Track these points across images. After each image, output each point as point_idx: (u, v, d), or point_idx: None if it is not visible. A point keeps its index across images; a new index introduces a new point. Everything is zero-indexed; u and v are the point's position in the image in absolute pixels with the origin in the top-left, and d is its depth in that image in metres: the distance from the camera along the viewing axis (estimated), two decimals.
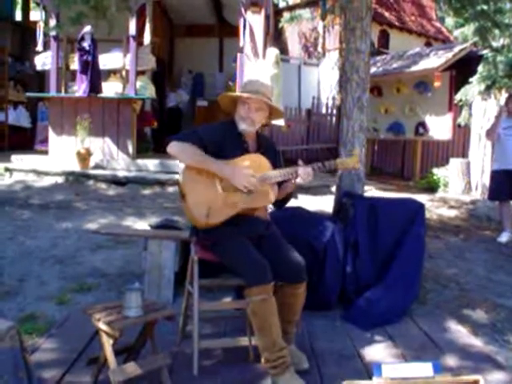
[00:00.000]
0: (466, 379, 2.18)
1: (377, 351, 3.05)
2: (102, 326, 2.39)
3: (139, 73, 8.00)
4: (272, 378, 2.58)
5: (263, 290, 2.56)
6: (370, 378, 2.60)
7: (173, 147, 2.73)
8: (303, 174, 2.78)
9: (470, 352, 3.07)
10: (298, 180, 2.81)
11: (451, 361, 2.93)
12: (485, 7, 5.40)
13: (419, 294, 3.85)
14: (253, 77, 2.99)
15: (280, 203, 3.00)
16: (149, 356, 2.57)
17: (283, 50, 11.73)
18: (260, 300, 2.56)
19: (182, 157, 2.76)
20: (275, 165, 2.88)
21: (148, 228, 4.26)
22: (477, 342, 3.24)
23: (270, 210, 3.14)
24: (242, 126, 2.81)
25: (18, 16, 12.09)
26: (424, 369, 2.19)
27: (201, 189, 2.71)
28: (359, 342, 3.17)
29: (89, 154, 7.32)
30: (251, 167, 2.74)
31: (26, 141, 9.56)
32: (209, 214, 2.67)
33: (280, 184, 2.85)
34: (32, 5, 11.62)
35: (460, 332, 3.38)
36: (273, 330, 2.58)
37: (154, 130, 9.56)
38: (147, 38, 7.75)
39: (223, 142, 2.78)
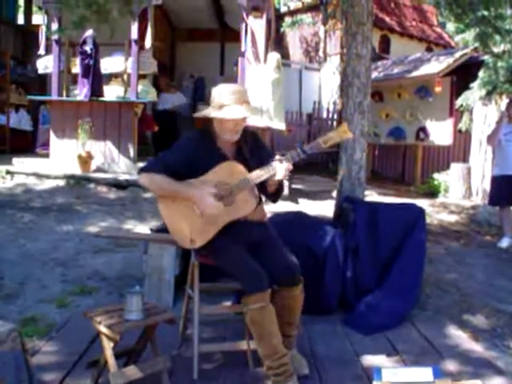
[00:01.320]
0: None
1: (377, 356, 3.04)
2: (102, 329, 2.39)
3: (141, 77, 8.02)
4: None
5: (260, 297, 2.55)
6: (370, 382, 2.61)
7: (142, 180, 2.69)
8: (279, 170, 2.59)
9: (471, 357, 3.07)
10: (276, 176, 2.61)
11: (451, 366, 2.93)
12: (485, 13, 5.42)
13: (419, 299, 3.85)
14: (224, 86, 2.76)
15: (273, 196, 2.86)
16: (149, 359, 2.57)
17: (284, 54, 11.75)
18: (258, 308, 2.55)
19: (152, 189, 2.76)
20: (261, 159, 2.74)
21: (149, 231, 4.27)
22: (477, 348, 3.24)
23: (269, 214, 3.12)
24: (229, 137, 2.71)
25: (21, 20, 12.12)
26: (424, 374, 2.20)
27: (178, 215, 2.68)
28: (359, 346, 3.17)
29: (90, 157, 7.32)
30: (223, 177, 2.65)
31: (27, 144, 9.57)
32: (192, 238, 2.65)
33: (266, 181, 2.70)
34: (34, 9, 11.63)
35: (460, 337, 3.38)
36: (273, 337, 2.57)
37: (154, 133, 9.55)
38: (149, 42, 7.76)
39: (196, 156, 2.69)
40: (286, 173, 2.63)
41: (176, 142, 2.86)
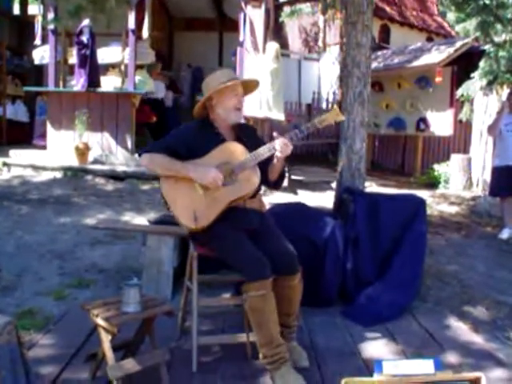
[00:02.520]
0: (468, 376, 2.15)
1: (377, 348, 3.03)
2: (100, 321, 2.37)
3: (138, 67, 7.95)
4: (270, 374, 2.57)
5: (262, 285, 2.53)
6: (370, 374, 2.58)
7: (143, 160, 2.74)
8: (280, 146, 2.62)
9: (471, 349, 3.05)
10: (277, 154, 2.64)
11: (452, 358, 2.91)
12: (487, 2, 5.36)
13: (420, 290, 3.83)
14: (218, 71, 2.86)
15: (275, 183, 2.88)
16: (147, 352, 2.55)
17: (283, 44, 11.66)
18: (259, 296, 2.53)
19: (153, 168, 2.76)
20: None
21: (147, 223, 4.23)
22: (478, 339, 3.22)
23: (268, 205, 3.10)
24: (236, 117, 2.77)
25: (16, 10, 12.01)
26: (425, 366, 2.17)
27: (181, 195, 2.69)
28: (359, 338, 3.15)
29: (87, 148, 7.28)
30: (224, 157, 2.67)
31: (24, 135, 9.50)
32: (196, 217, 2.64)
33: (268, 165, 2.74)
34: None
35: (461, 329, 3.36)
36: (271, 326, 2.56)
37: (151, 124, 9.46)
38: (146, 31, 7.70)
39: (196, 140, 2.73)
40: (287, 149, 2.63)
41: (175, 128, 2.91)
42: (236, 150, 2.69)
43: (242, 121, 3.02)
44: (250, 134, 2.92)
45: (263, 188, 2.89)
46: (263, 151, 2.65)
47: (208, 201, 2.64)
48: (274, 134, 2.70)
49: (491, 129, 5.88)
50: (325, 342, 3.07)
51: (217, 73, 2.82)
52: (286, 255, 2.69)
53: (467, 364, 2.83)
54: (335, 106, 2.86)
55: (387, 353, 2.97)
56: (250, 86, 2.92)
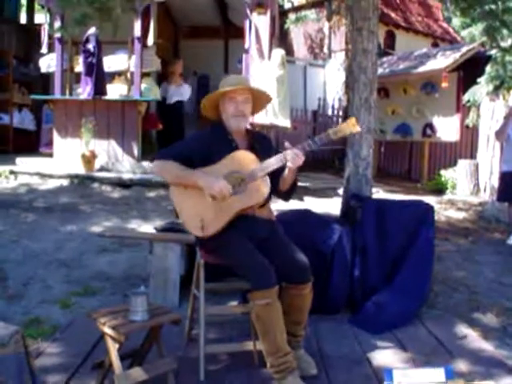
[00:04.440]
0: None
1: (386, 356, 3.00)
2: (107, 330, 2.36)
3: (144, 75, 7.98)
4: (277, 383, 2.54)
5: (267, 294, 2.51)
6: (379, 383, 2.56)
7: (155, 167, 2.76)
8: (291, 157, 2.59)
9: (481, 356, 3.01)
10: (288, 164, 2.62)
11: (462, 365, 2.87)
12: (493, 7, 5.33)
13: (428, 297, 3.80)
14: (231, 76, 2.87)
15: (285, 193, 2.86)
16: (154, 361, 2.53)
17: (289, 51, 11.69)
18: (264, 304, 2.52)
19: (164, 176, 2.78)
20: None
21: (153, 231, 4.23)
22: (487, 346, 3.18)
23: (276, 212, 3.08)
24: (235, 124, 2.75)
25: (23, 18, 12.11)
26: (436, 374, 2.15)
27: (190, 203, 2.69)
28: (368, 346, 3.12)
29: (94, 156, 7.29)
30: (234, 166, 2.66)
31: (30, 143, 9.54)
32: (203, 225, 2.64)
33: (279, 175, 2.73)
34: (37, 7, 11.62)
35: (470, 336, 3.32)
36: (277, 335, 2.53)
37: (158, 131, 9.48)
38: (152, 39, 7.71)
39: (210, 147, 2.72)
40: (299, 160, 2.61)
41: (189, 135, 2.91)
42: (247, 159, 2.68)
43: (248, 126, 3.01)
44: (264, 143, 2.90)
45: (273, 196, 2.88)
46: (274, 161, 2.63)
47: (216, 209, 2.63)
48: (286, 144, 2.67)
49: (499, 134, 5.86)
50: (333, 350, 3.04)
51: (229, 77, 2.87)
52: (297, 264, 2.68)
53: (477, 372, 2.79)
54: (352, 117, 2.77)
55: (396, 361, 2.94)
56: (260, 99, 2.89)
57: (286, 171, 2.69)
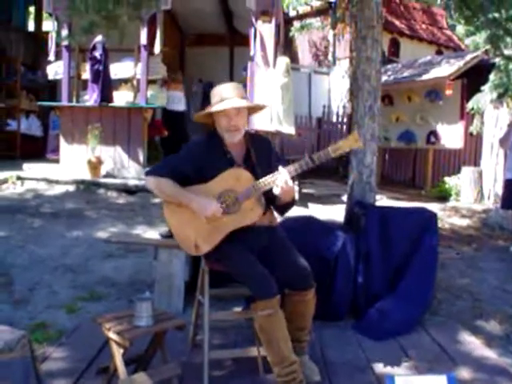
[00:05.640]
0: None
1: (389, 362, 3.00)
2: (112, 335, 2.38)
3: (150, 82, 8.04)
4: None
5: (269, 304, 2.52)
6: None
7: (148, 184, 2.73)
8: (282, 182, 2.54)
9: (485, 364, 3.02)
10: (276, 183, 2.56)
11: (465, 373, 2.88)
12: (496, 15, 5.36)
13: (432, 304, 3.81)
14: (221, 86, 2.77)
15: (281, 209, 2.83)
16: (159, 366, 2.55)
17: (293, 58, 11.75)
18: (266, 315, 2.52)
19: (157, 193, 2.75)
20: (270, 166, 2.71)
21: (158, 237, 4.25)
22: (491, 354, 3.18)
23: (279, 219, 3.09)
24: (229, 139, 2.69)
25: (31, 26, 12.24)
26: (438, 382, 2.15)
27: (183, 221, 2.67)
28: (371, 352, 3.13)
29: (100, 162, 7.34)
30: (228, 185, 2.62)
31: (37, 149, 9.62)
32: (197, 244, 2.63)
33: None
34: (44, 15, 11.74)
35: (473, 343, 3.32)
36: (281, 344, 2.53)
37: (162, 138, 9.53)
38: (158, 47, 7.78)
39: (205, 159, 2.67)
40: (287, 188, 2.57)
41: (184, 145, 2.84)
42: (242, 177, 2.64)
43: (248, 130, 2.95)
44: (263, 146, 2.83)
45: None
46: (267, 182, 2.59)
47: (209, 228, 2.62)
48: (280, 167, 2.60)
49: (503, 142, 5.87)
50: (336, 357, 3.05)
51: (220, 87, 2.73)
52: (299, 270, 2.68)
53: (480, 379, 2.80)
54: (354, 131, 2.71)
55: (399, 368, 2.94)
56: (254, 108, 2.89)
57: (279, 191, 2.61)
